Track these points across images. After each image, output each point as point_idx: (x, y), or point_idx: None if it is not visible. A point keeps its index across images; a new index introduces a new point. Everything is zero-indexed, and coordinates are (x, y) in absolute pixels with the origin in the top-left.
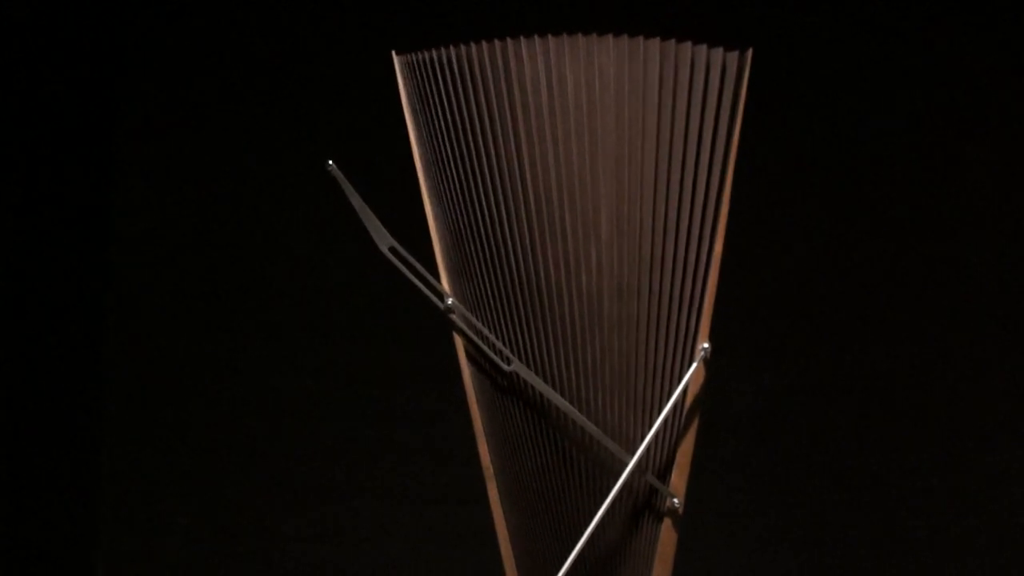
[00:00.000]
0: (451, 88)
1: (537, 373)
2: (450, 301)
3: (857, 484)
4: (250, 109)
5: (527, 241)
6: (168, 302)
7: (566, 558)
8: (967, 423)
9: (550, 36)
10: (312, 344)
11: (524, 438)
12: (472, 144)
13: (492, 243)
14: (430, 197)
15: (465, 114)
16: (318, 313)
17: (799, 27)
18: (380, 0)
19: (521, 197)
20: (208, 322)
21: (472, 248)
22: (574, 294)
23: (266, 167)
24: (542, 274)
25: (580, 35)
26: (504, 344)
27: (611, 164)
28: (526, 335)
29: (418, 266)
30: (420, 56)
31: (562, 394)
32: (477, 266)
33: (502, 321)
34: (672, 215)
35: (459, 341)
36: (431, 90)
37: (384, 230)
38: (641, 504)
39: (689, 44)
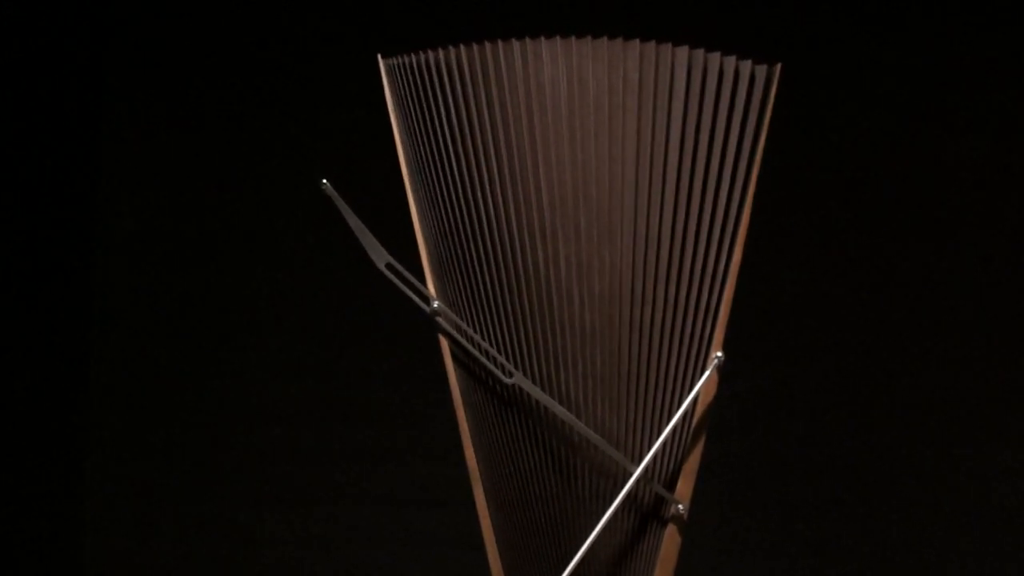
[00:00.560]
0: (457, 89)
1: (539, 375)
2: (445, 311)
3: (857, 485)
4: (236, 111)
5: (536, 242)
6: (155, 304)
7: (558, 561)
8: (967, 423)
9: (574, 38)
10: (298, 347)
11: (514, 440)
12: (482, 143)
13: (494, 243)
14: (418, 201)
15: (474, 113)
16: (304, 316)
17: (813, 37)
18: (371, 3)
19: (533, 197)
20: (194, 325)
21: (472, 249)
22: (585, 297)
23: (252, 169)
24: (552, 276)
25: (605, 38)
26: (508, 345)
27: (631, 169)
28: (530, 336)
29: (415, 281)
30: (430, 55)
31: (563, 399)
32: (478, 267)
33: (504, 322)
34: (692, 224)
35: (445, 344)
36: (445, 91)
37: (380, 247)
38: (645, 511)
39: (719, 54)
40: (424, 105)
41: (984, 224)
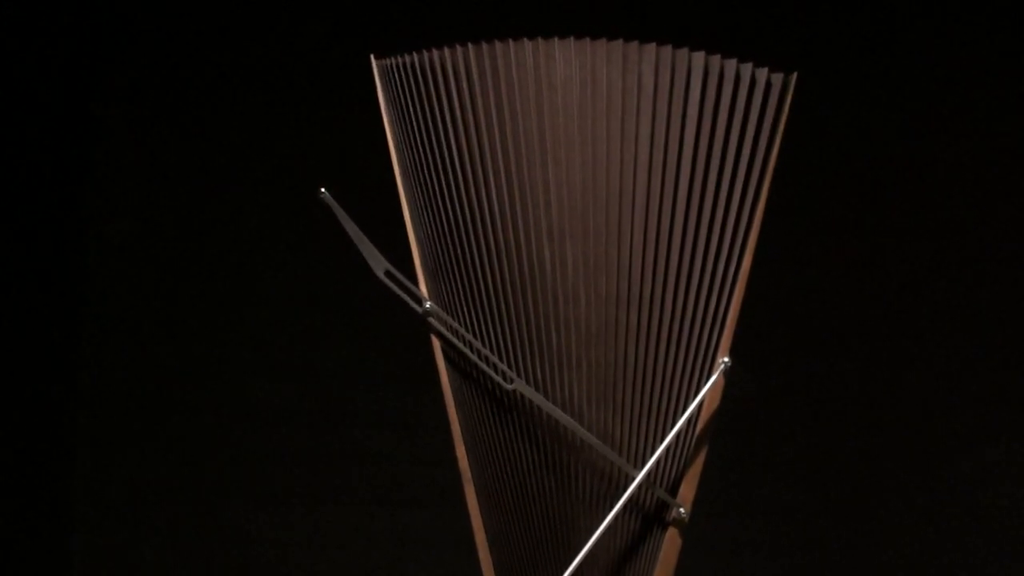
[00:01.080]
0: (461, 88)
1: (540, 376)
2: (438, 312)
3: (856, 486)
4: (229, 114)
5: (543, 241)
6: (146, 304)
7: (555, 562)
8: (967, 424)
9: (588, 39)
10: (289, 348)
11: (510, 441)
12: (487, 142)
13: (497, 242)
14: (412, 202)
15: (480, 113)
16: (295, 317)
17: (812, 41)
18: (370, 3)
19: (540, 198)
20: (185, 325)
21: (473, 249)
22: (592, 298)
23: (244, 170)
24: (558, 276)
25: (621, 41)
26: (508, 345)
27: (643, 171)
28: (532, 337)
29: (414, 288)
30: (441, 54)
31: (564, 400)
32: (478, 267)
33: (504, 322)
34: (703, 229)
35: (437, 345)
36: (450, 91)
37: (379, 255)
38: (646, 514)
39: (735, 61)
40: (424, 105)
41: (983, 227)
